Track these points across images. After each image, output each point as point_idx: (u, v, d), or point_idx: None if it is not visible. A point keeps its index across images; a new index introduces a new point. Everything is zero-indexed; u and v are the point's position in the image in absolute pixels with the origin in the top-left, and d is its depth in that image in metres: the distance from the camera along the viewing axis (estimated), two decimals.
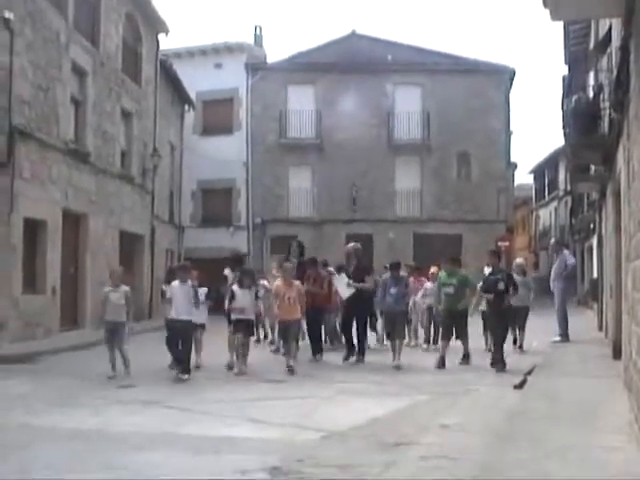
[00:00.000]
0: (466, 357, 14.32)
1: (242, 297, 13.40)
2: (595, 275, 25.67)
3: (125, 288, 13.14)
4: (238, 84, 38.08)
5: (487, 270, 14.67)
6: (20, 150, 18.28)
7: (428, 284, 17.39)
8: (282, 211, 37.71)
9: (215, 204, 38.43)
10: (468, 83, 37.26)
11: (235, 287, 13.54)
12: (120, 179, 25.86)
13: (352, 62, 37.40)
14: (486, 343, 15.92)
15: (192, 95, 36.35)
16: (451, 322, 14.25)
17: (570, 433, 7.67)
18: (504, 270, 14.54)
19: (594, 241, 27.66)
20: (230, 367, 13.40)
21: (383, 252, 33.00)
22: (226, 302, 13.69)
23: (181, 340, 12.58)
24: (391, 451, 6.97)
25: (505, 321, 14.00)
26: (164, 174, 32.32)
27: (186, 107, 36.70)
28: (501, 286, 13.68)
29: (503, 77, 38.37)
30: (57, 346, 17.50)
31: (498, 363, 13.29)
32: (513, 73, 38.86)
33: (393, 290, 14.16)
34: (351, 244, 16.05)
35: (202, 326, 13.94)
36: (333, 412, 9.40)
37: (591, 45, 19.37)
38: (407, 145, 37.68)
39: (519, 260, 18.43)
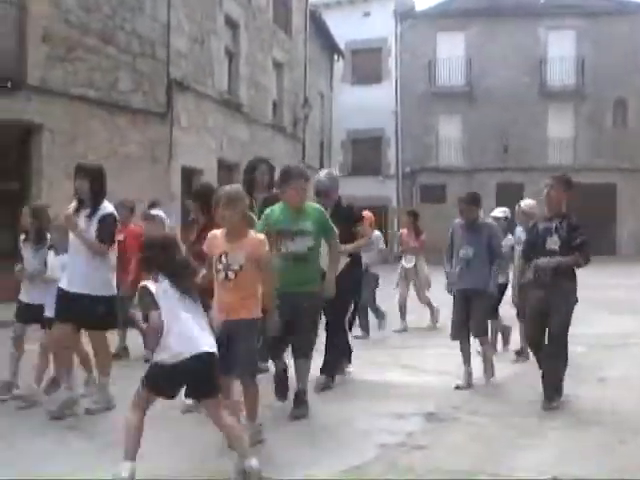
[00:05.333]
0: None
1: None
2: None
3: None
4: (387, 32, 37.94)
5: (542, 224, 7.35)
6: (178, 101, 19.17)
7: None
8: (431, 160, 37.60)
9: (364, 153, 38.65)
10: (628, 26, 35.85)
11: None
12: (272, 129, 26.55)
13: (503, 6, 36.67)
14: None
15: (341, 45, 36.54)
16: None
17: None
18: (567, 216, 7.19)
19: None
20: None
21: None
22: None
23: None
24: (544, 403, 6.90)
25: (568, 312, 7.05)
26: (314, 124, 32.85)
27: (335, 57, 36.98)
28: (553, 244, 7.06)
29: None
30: None
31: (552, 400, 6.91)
32: None
33: (466, 250, 7.99)
34: (323, 172, 8.37)
35: None
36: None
37: None
38: (560, 92, 36.73)
39: (526, 202, 9.88)
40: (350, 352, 8.46)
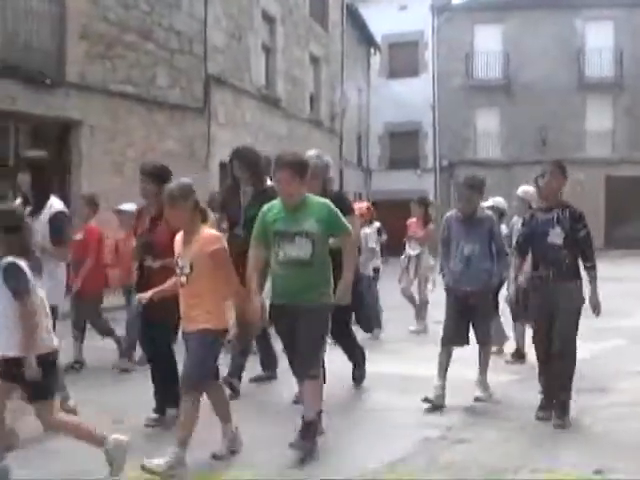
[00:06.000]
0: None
1: None
2: None
3: None
4: (423, 26, 37.77)
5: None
6: (215, 96, 19.26)
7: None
8: (469, 153, 37.45)
9: (402, 147, 38.56)
10: None
11: None
12: (309, 123, 26.56)
13: None
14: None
15: (377, 38, 36.46)
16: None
17: None
18: (568, 205, 6.48)
19: None
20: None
21: (573, 195, 32.13)
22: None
23: None
24: (584, 396, 6.89)
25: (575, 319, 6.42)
26: (352, 118, 32.82)
27: (372, 50, 36.89)
28: (556, 237, 6.33)
29: None
30: None
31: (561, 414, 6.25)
32: None
33: (465, 248, 7.02)
34: (312, 151, 7.56)
35: None
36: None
37: None
38: (598, 83, 36.32)
39: (523, 188, 9.22)
40: (363, 356, 7.81)
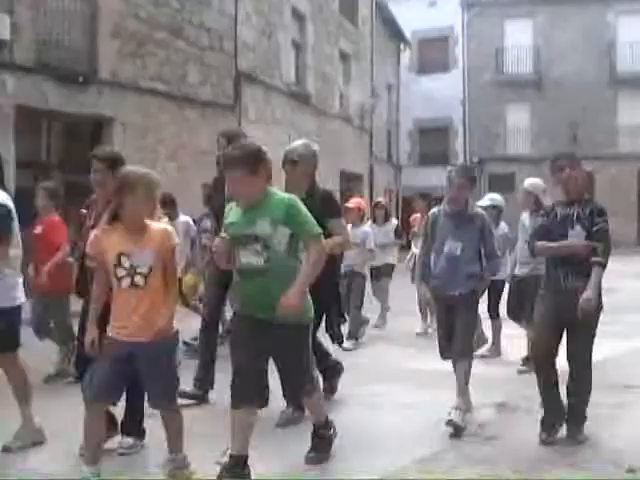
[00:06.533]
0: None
1: None
2: None
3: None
4: (453, 21, 37.71)
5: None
6: (246, 93, 19.34)
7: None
8: (499, 149, 37.30)
9: (432, 142, 38.47)
10: None
11: None
12: (339, 119, 26.57)
13: None
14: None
15: (407, 34, 36.35)
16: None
17: None
18: (589, 200, 5.81)
19: None
20: None
21: (605, 191, 31.91)
22: None
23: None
24: (619, 393, 6.87)
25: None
26: (381, 114, 32.81)
27: (402, 46, 36.81)
28: (577, 236, 5.61)
29: None
30: None
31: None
32: None
33: (451, 245, 6.18)
34: (299, 140, 6.99)
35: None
36: None
37: None
38: (630, 78, 35.86)
39: (531, 181, 8.47)
40: (337, 371, 6.82)
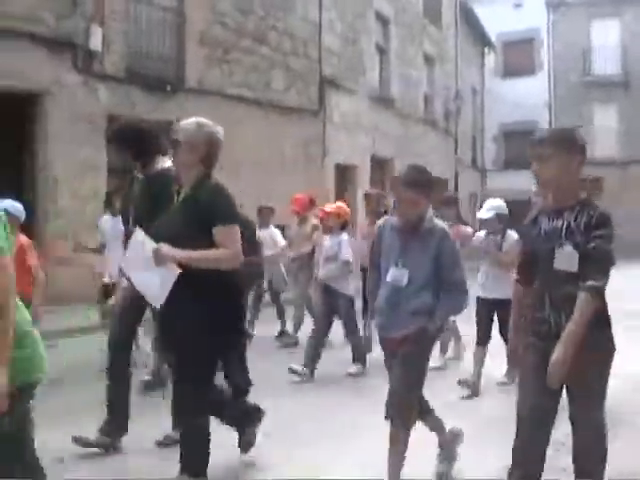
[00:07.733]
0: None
1: None
2: None
3: None
4: (538, 23, 37.16)
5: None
6: (330, 98, 19.40)
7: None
8: (587, 151, 36.45)
9: (517, 147, 37.78)
10: None
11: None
12: (424, 123, 26.44)
13: None
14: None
15: (492, 37, 36.04)
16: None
17: None
18: (589, 204, 3.80)
19: None
20: None
21: None
22: None
23: None
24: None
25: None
26: (466, 117, 32.54)
27: (486, 49, 36.48)
28: (566, 260, 3.60)
29: None
30: None
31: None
32: None
33: (395, 273, 4.45)
34: (191, 120, 4.80)
35: None
36: None
37: None
38: None
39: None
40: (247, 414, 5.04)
